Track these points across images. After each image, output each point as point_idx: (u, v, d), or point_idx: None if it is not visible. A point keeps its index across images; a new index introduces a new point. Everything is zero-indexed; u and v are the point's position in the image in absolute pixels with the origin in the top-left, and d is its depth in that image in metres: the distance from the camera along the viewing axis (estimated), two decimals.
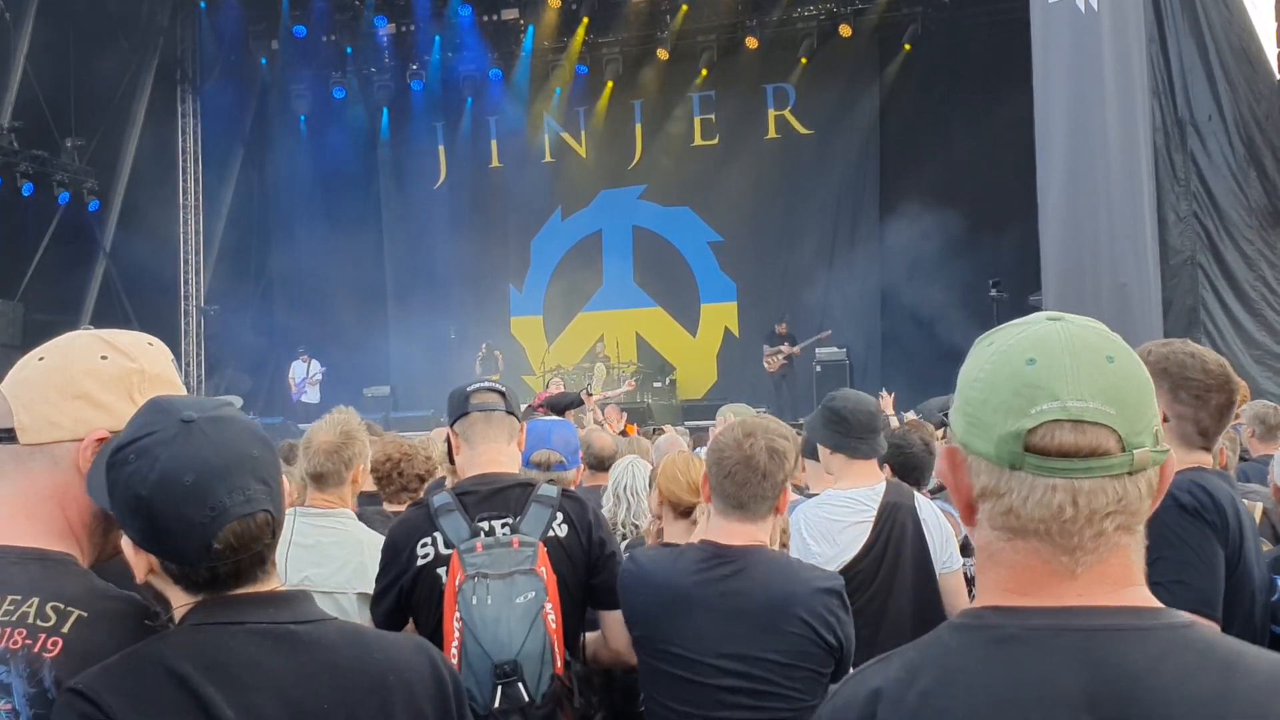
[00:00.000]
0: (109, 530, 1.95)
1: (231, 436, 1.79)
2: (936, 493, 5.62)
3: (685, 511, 4.22)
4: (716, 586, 3.03)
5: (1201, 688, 1.29)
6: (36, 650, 1.77)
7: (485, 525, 3.16)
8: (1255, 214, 15.21)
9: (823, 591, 3.07)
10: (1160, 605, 1.39)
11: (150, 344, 2.07)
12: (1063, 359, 1.37)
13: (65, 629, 1.79)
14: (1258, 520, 4.34)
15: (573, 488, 3.98)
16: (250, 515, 1.75)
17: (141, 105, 20.79)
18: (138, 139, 20.71)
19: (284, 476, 1.90)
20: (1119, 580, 1.38)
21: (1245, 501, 4.45)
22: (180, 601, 1.80)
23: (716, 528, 3.15)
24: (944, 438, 6.20)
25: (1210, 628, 1.42)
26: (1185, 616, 1.38)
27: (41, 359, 1.92)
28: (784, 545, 3.87)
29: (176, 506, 1.73)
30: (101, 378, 1.93)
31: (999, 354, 1.41)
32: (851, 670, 1.53)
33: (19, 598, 1.80)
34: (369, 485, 4.64)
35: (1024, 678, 1.33)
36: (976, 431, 1.40)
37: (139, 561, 1.80)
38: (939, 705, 1.35)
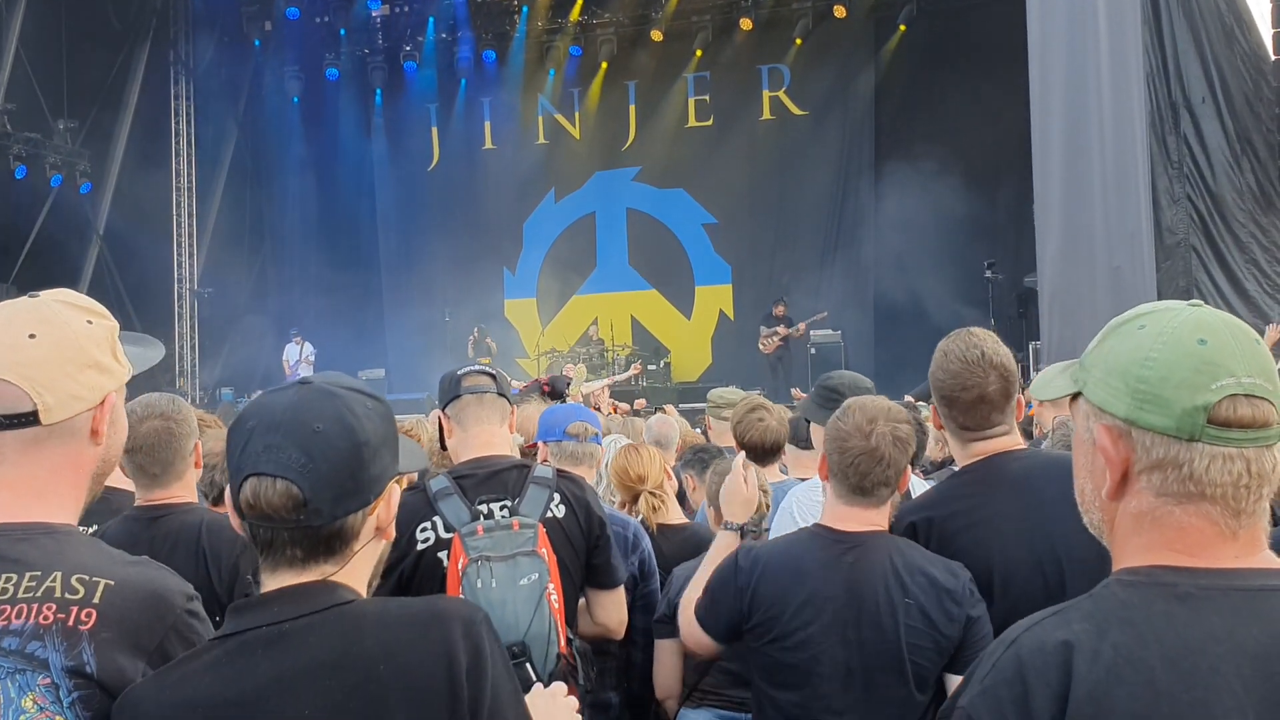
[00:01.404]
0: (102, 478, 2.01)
1: (314, 406, 1.75)
2: (931, 472, 5.65)
3: (634, 497, 4.35)
4: (837, 574, 2.99)
5: None
6: (71, 624, 1.78)
7: (484, 508, 3.17)
8: (1248, 197, 15.24)
9: (938, 578, 2.99)
10: None
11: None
12: (1228, 340, 1.50)
13: (96, 599, 1.81)
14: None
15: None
16: (271, 477, 1.71)
17: (134, 87, 20.72)
18: (131, 121, 20.64)
19: (389, 488, 1.84)
20: (1261, 543, 1.52)
21: None
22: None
23: (834, 512, 3.10)
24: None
25: None
26: None
27: (33, 335, 1.89)
28: (764, 507, 3.90)
29: (235, 446, 1.77)
30: (99, 342, 1.97)
31: (1167, 335, 1.52)
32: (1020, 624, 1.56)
33: (39, 573, 1.81)
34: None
35: (1209, 631, 1.43)
36: (1153, 408, 1.50)
37: (232, 510, 1.81)
38: (1135, 655, 1.43)
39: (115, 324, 2.02)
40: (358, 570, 1.82)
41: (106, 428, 1.97)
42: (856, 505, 3.06)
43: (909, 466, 3.12)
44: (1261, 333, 10.94)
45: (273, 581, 1.77)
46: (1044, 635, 1.50)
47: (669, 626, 3.55)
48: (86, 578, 1.82)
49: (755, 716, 3.17)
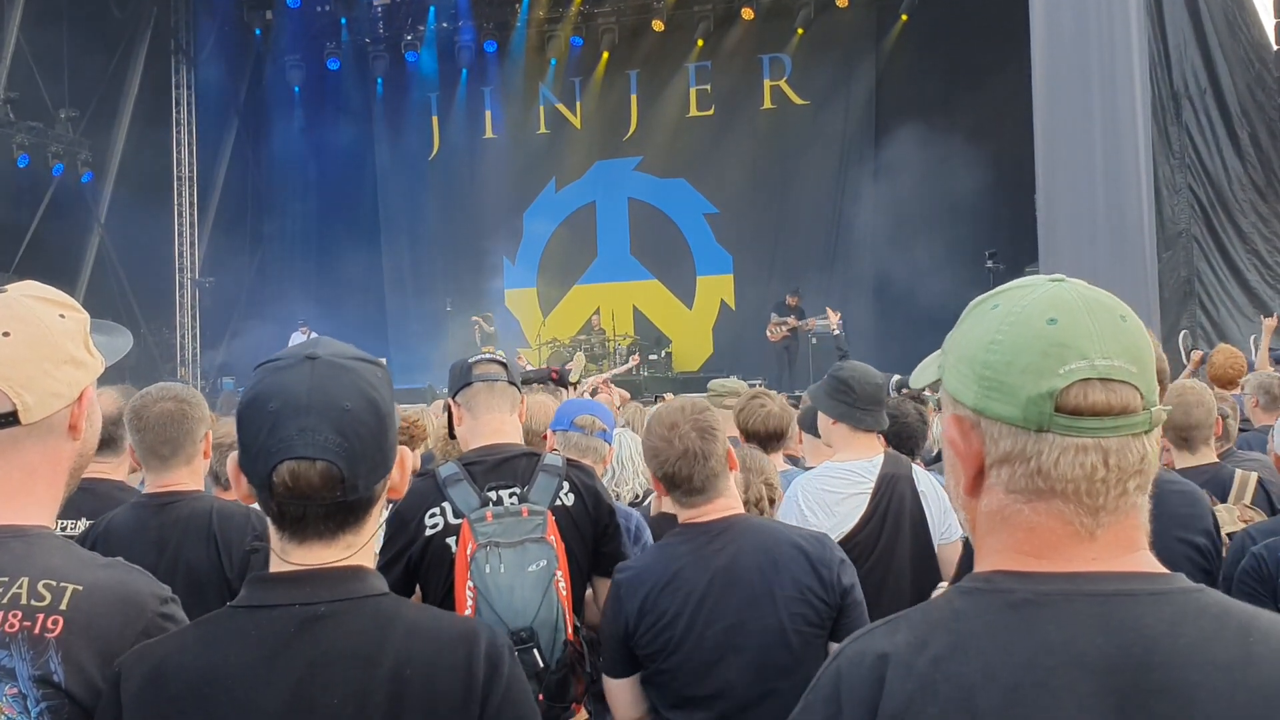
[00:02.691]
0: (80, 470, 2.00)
1: (336, 384, 1.75)
2: (932, 464, 5.67)
3: None
4: (708, 562, 3.06)
5: (1220, 653, 1.28)
6: (37, 632, 1.76)
7: (494, 495, 3.19)
8: (1249, 187, 15.24)
9: (808, 547, 3.10)
10: (1168, 571, 1.37)
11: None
12: (1083, 318, 1.35)
13: (63, 605, 1.79)
14: (1251, 490, 4.37)
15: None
16: (311, 460, 1.69)
17: (135, 77, 20.72)
18: (132, 110, 20.65)
19: (401, 450, 1.86)
20: (1130, 544, 1.37)
21: (1239, 470, 4.50)
22: (274, 539, 1.79)
23: (688, 515, 3.18)
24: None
25: (1215, 592, 1.37)
26: (1190, 581, 1.36)
27: (7, 334, 1.85)
28: (771, 499, 3.92)
29: (256, 428, 1.73)
30: (73, 336, 1.94)
31: (1014, 316, 1.38)
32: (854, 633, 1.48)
33: (5, 579, 1.79)
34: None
35: (1041, 642, 1.30)
36: (998, 396, 1.36)
37: (240, 482, 1.80)
38: (952, 670, 1.31)
39: (86, 316, 1.99)
40: (373, 538, 1.86)
41: (84, 423, 1.96)
42: (703, 504, 3.14)
43: (730, 449, 3.19)
44: (1258, 325, 10.98)
45: (300, 553, 1.77)
46: (865, 647, 1.40)
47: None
48: (54, 583, 1.80)
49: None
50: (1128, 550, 1.37)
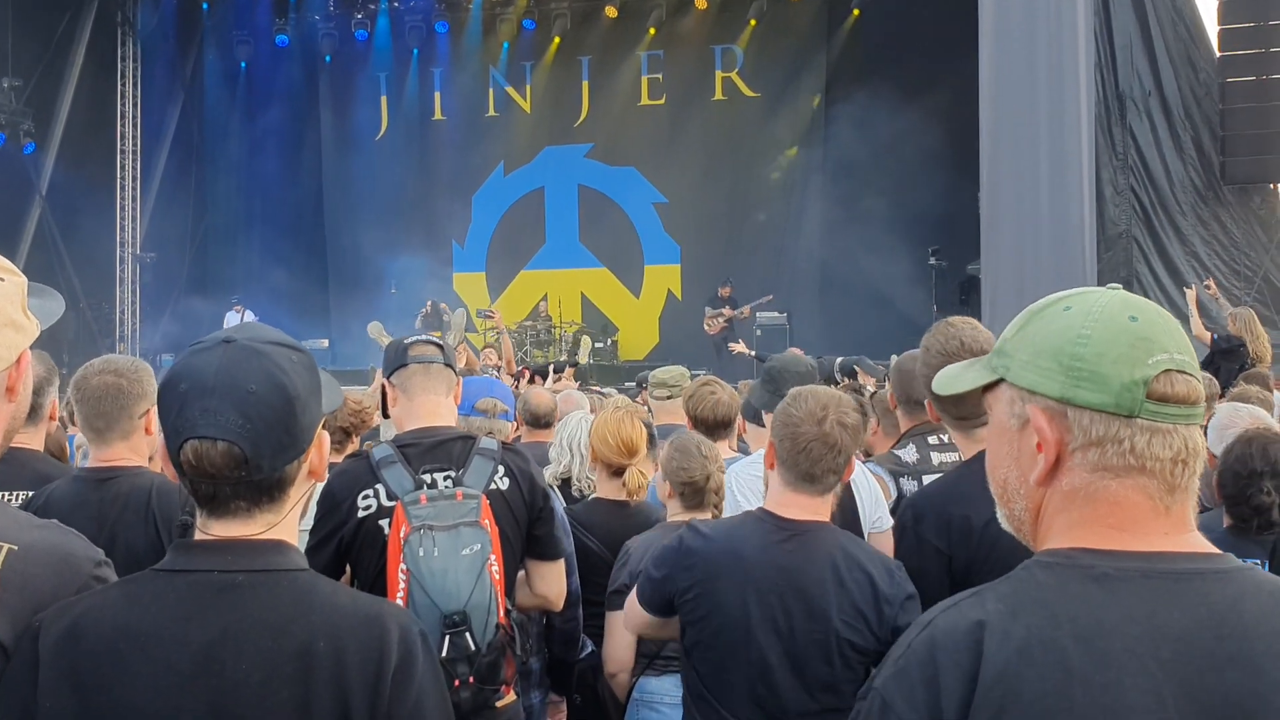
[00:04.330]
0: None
1: (243, 367, 1.78)
2: (864, 461, 5.72)
3: (617, 471, 4.31)
4: (776, 560, 3.02)
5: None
6: None
7: (428, 478, 3.18)
8: (1190, 190, 15.48)
9: (878, 577, 3.04)
10: (1219, 550, 1.51)
11: None
12: (1155, 317, 1.51)
13: None
14: None
15: (510, 441, 4.02)
16: (212, 440, 1.74)
17: (80, 47, 20.36)
18: (76, 82, 20.28)
19: (319, 434, 1.90)
20: (1188, 523, 1.51)
21: None
22: (198, 515, 1.84)
23: (780, 498, 3.13)
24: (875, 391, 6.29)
25: (1261, 570, 1.55)
26: (1239, 560, 1.52)
27: None
28: (717, 506, 3.96)
29: (167, 408, 1.79)
30: (11, 299, 1.93)
31: (1097, 313, 1.51)
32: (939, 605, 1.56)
33: None
34: None
35: (1126, 612, 1.42)
36: (1088, 384, 1.48)
37: (167, 459, 1.85)
38: (1047, 635, 1.42)
39: (24, 279, 1.98)
40: (294, 514, 1.89)
41: (21, 386, 1.97)
42: (803, 493, 3.09)
43: (853, 459, 3.17)
44: (1182, 302, 11.27)
45: (220, 527, 1.81)
46: (959, 616, 1.49)
47: (622, 598, 3.55)
48: None
49: (685, 692, 3.21)
50: (1188, 528, 1.51)
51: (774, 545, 3.04)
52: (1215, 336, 10.31)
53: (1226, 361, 9.80)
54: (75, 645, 1.71)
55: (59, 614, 1.75)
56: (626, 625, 3.36)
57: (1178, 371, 1.47)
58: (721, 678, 3.05)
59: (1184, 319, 13.37)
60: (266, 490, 1.81)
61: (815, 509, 3.10)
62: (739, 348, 13.80)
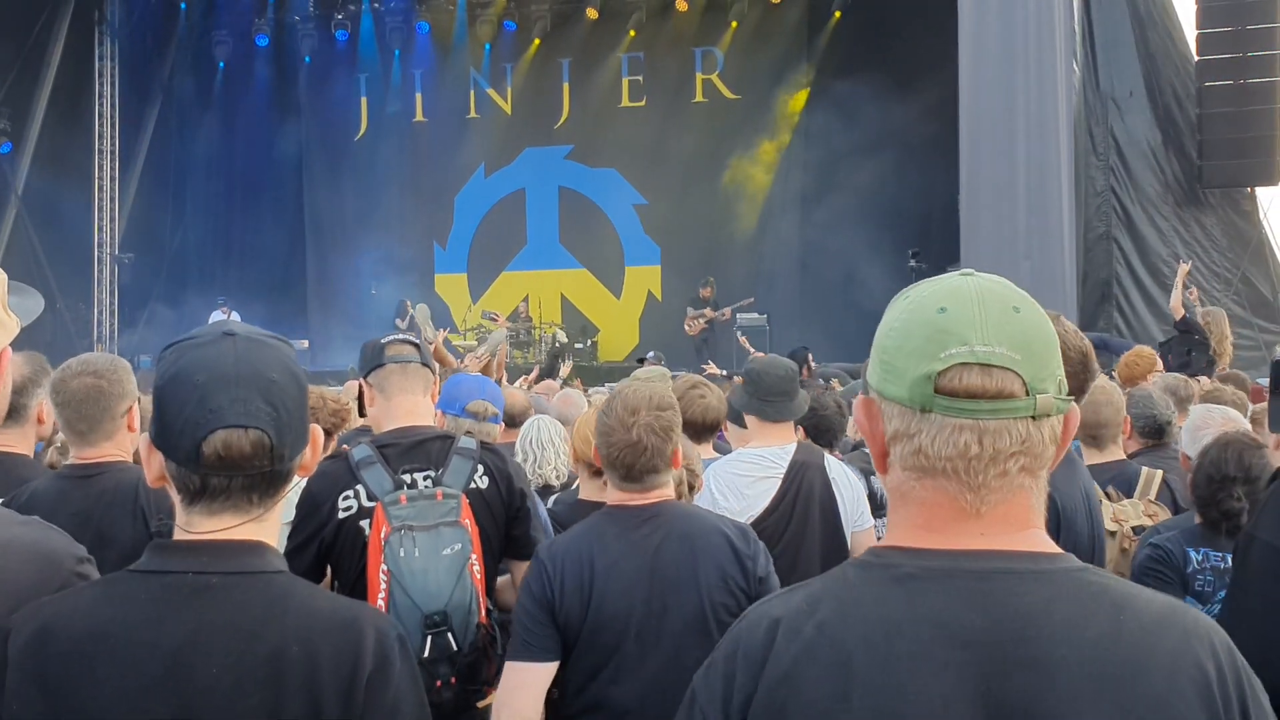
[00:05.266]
0: None
1: (258, 357, 1.78)
2: (850, 451, 5.73)
3: (598, 471, 4.29)
4: (635, 545, 3.05)
5: (1091, 629, 1.35)
6: None
7: (408, 478, 3.18)
8: (1171, 190, 15.57)
9: (733, 536, 3.12)
10: (1058, 549, 1.45)
11: None
12: (972, 308, 1.42)
13: None
14: (1156, 486, 4.48)
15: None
16: (243, 428, 1.72)
17: (57, 47, 20.22)
18: (53, 81, 20.16)
19: (313, 428, 1.88)
20: (1020, 522, 1.43)
21: (1145, 468, 4.61)
22: (180, 514, 1.80)
23: (617, 496, 3.19)
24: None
25: (1103, 572, 1.45)
26: (1079, 561, 1.44)
27: None
28: (691, 485, 3.95)
29: (182, 402, 1.74)
30: None
31: (913, 304, 1.47)
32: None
33: None
34: None
35: (919, 614, 1.38)
36: (891, 378, 1.45)
37: (152, 461, 1.80)
38: (834, 636, 1.39)
39: (4, 276, 1.96)
40: (279, 509, 1.87)
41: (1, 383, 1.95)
42: (634, 490, 3.14)
43: (679, 448, 3.20)
44: (1164, 301, 11.55)
45: (209, 523, 1.78)
46: (764, 610, 1.49)
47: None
48: None
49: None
50: (1018, 529, 1.44)
51: (630, 531, 3.08)
52: (1186, 316, 10.56)
53: (1196, 350, 10.05)
54: (44, 647, 1.69)
55: (30, 616, 1.72)
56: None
57: (979, 365, 1.39)
58: (608, 673, 3.02)
59: (1162, 314, 13.50)
60: (273, 483, 1.80)
61: (655, 495, 3.16)
62: (711, 369, 13.75)
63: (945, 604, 1.38)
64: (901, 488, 1.47)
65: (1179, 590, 3.68)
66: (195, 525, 1.78)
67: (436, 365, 3.69)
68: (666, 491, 3.19)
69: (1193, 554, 3.73)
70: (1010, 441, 1.40)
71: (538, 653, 2.99)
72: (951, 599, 1.38)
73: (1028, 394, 1.40)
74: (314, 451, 1.89)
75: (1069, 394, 1.45)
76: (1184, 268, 11.53)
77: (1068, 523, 3.20)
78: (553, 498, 4.41)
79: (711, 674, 1.49)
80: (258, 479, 1.77)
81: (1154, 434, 5.27)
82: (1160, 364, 7.60)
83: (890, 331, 1.47)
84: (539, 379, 11.25)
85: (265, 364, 1.77)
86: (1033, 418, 1.40)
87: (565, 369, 12.69)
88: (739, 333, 17.34)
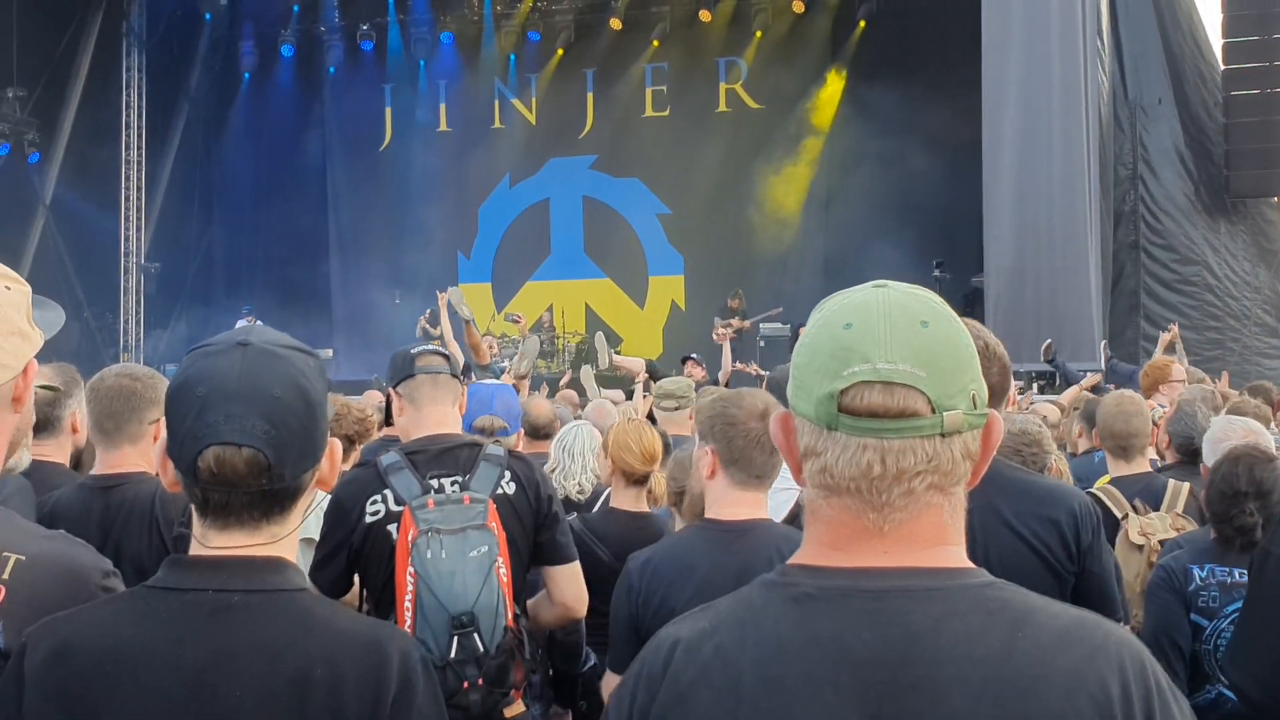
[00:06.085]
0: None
1: (267, 371, 1.73)
2: None
3: (638, 480, 4.27)
4: (726, 563, 2.97)
5: (980, 648, 1.32)
6: None
7: (435, 483, 3.20)
8: (1198, 199, 15.49)
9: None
10: (968, 565, 1.41)
11: None
12: (878, 324, 1.39)
13: (6, 574, 1.78)
14: (1183, 499, 4.44)
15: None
16: (237, 446, 1.67)
17: (85, 58, 20.43)
18: (81, 92, 20.37)
19: (331, 442, 1.84)
20: (928, 540, 1.40)
21: (1172, 480, 4.57)
22: (196, 525, 1.77)
23: (723, 500, 3.10)
24: None
25: (1015, 587, 1.40)
26: (988, 577, 1.40)
27: None
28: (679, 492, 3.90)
29: (184, 413, 1.71)
30: (18, 307, 1.91)
31: (823, 319, 1.44)
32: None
33: None
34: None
35: (811, 636, 1.35)
36: (801, 394, 1.42)
37: (167, 467, 1.77)
38: (728, 657, 1.38)
39: (29, 288, 1.96)
40: (297, 528, 1.83)
41: (28, 395, 1.94)
42: (749, 489, 3.07)
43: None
44: (1204, 337, 11.34)
45: (222, 539, 1.75)
46: (669, 632, 1.47)
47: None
48: None
49: None
50: (926, 545, 1.40)
51: (720, 549, 3.01)
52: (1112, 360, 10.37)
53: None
54: (64, 665, 1.67)
55: (47, 631, 1.70)
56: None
57: (881, 383, 1.35)
58: None
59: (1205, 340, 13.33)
60: (279, 500, 1.76)
61: (756, 506, 3.08)
62: (753, 369, 13.68)
63: (837, 624, 1.35)
64: (812, 505, 1.44)
65: (1180, 611, 3.62)
66: (210, 539, 1.75)
67: (470, 354, 3.71)
68: (762, 510, 3.12)
69: (1196, 571, 3.64)
70: (915, 460, 1.37)
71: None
72: (844, 619, 1.35)
73: (934, 411, 1.36)
74: (332, 465, 1.85)
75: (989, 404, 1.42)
76: (1167, 336, 10.96)
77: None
78: (573, 515, 4.35)
79: (621, 692, 1.47)
80: (258, 496, 1.72)
81: (1191, 455, 5.23)
82: (1176, 370, 7.49)
83: (801, 347, 1.45)
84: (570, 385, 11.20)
85: (270, 379, 1.72)
86: (941, 435, 1.37)
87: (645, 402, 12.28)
88: (761, 342, 17.35)
